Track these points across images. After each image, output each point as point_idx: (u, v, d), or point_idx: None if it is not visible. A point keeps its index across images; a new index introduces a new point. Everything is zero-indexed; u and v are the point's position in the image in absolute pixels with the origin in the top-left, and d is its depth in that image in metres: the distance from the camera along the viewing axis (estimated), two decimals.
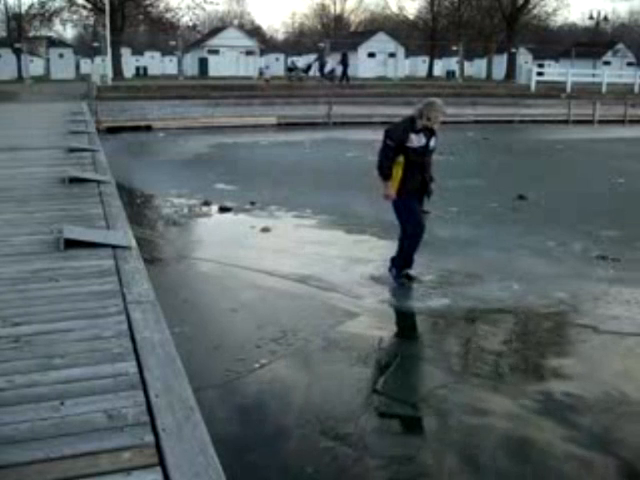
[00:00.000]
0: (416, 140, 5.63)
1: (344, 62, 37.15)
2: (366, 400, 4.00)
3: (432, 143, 5.76)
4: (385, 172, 5.76)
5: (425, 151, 5.73)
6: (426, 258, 6.27)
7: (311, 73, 39.51)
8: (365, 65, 48.46)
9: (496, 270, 6.41)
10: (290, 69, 40.90)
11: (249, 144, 16.63)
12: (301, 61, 43.11)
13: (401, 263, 5.98)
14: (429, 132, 5.69)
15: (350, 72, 38.04)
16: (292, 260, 6.78)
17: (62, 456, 1.99)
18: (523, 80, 39.06)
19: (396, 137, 5.65)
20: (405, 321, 5.41)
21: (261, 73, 39.96)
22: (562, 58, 49.81)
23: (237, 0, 77.08)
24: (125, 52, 42.68)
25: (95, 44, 42.09)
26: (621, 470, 3.46)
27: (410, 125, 5.67)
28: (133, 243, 4.28)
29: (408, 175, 5.72)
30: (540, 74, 37.00)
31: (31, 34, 45.81)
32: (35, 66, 42.66)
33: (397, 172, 5.73)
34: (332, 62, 39.10)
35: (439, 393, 4.24)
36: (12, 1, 60.47)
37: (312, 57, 42.42)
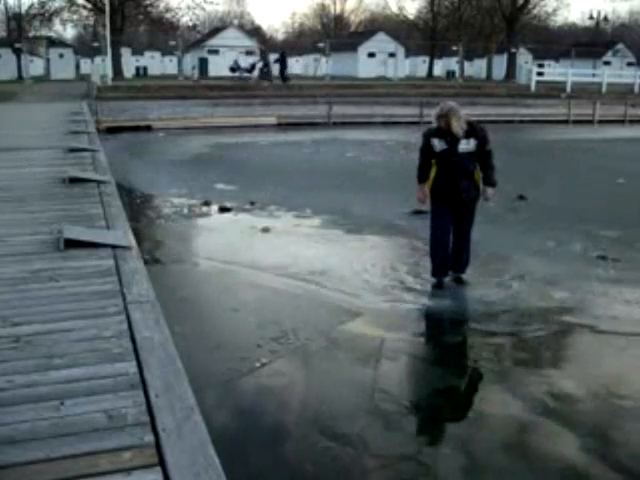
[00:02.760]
0: (438, 144, 5.65)
1: (282, 62, 37.24)
2: (367, 400, 4.00)
3: (462, 146, 5.57)
4: (418, 174, 5.93)
5: (452, 155, 5.60)
6: (426, 259, 6.26)
7: (255, 73, 39.22)
8: (365, 65, 48.50)
9: (496, 270, 6.41)
10: (233, 69, 40.40)
11: (249, 144, 16.62)
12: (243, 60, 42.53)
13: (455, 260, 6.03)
14: (450, 136, 5.54)
15: (350, 72, 38.08)
16: (292, 260, 6.77)
17: (62, 456, 1.98)
18: (523, 80, 39.16)
19: (423, 141, 5.80)
20: (405, 321, 5.39)
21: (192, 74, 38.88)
22: (562, 58, 49.89)
23: (237, 0, 77.27)
24: (125, 52, 42.78)
25: (95, 44, 42.20)
26: (620, 471, 3.45)
27: (431, 129, 5.73)
28: (133, 243, 4.28)
29: (437, 178, 5.80)
30: (540, 74, 37.10)
31: (31, 34, 45.91)
32: (35, 66, 42.74)
33: (432, 175, 5.86)
34: (271, 62, 39.14)
35: (439, 393, 4.25)
36: (12, 1, 60.59)
37: (257, 57, 41.99)
